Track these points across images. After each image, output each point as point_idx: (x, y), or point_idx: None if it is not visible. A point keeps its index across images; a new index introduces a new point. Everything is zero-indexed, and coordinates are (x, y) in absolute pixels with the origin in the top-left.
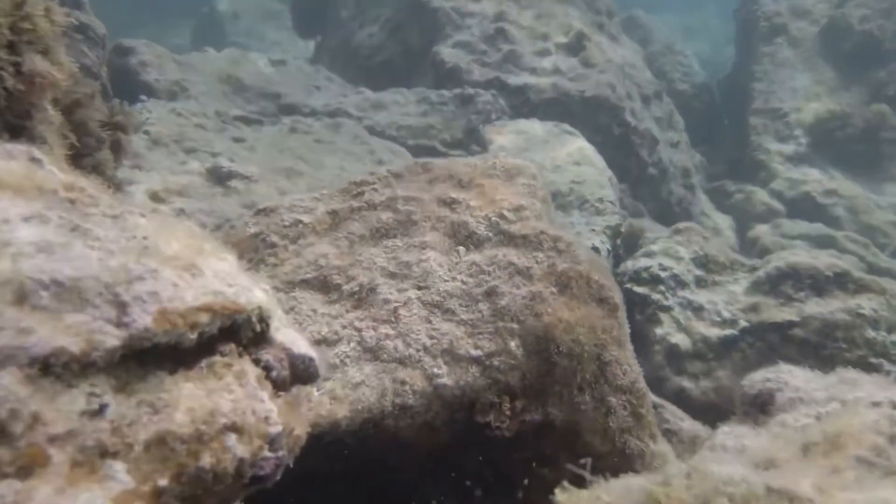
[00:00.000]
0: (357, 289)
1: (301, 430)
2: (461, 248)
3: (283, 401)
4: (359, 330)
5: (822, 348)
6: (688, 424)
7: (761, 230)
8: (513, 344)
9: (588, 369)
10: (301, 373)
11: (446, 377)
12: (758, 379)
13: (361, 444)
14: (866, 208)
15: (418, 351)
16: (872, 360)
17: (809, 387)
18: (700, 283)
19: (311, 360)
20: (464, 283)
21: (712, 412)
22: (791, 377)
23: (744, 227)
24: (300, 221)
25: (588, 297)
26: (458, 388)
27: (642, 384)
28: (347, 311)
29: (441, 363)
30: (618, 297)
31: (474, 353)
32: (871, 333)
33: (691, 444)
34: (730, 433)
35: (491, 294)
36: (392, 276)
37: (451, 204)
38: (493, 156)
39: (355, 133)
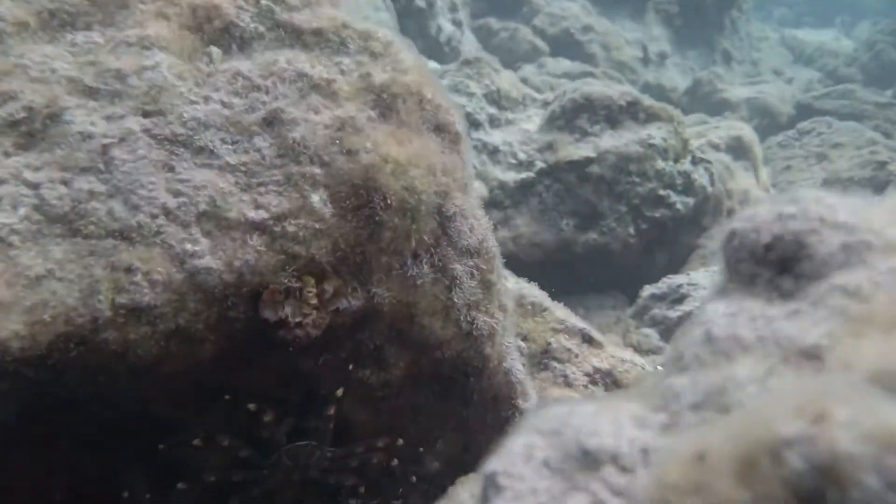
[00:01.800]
0: (23, 115)
1: None
2: (214, 50)
3: None
4: (34, 186)
5: (616, 184)
6: (512, 283)
7: (528, 70)
8: (316, 198)
9: (426, 228)
10: None
11: (209, 256)
12: (765, 218)
13: (58, 377)
14: (617, 45)
15: (154, 217)
16: (661, 192)
17: (865, 222)
18: (493, 122)
19: None
20: (225, 105)
21: (513, 262)
22: (823, 208)
23: (510, 68)
24: None
25: (421, 122)
26: (232, 272)
27: (491, 241)
28: (7, 156)
29: (198, 234)
30: (460, 122)
31: (254, 214)
32: (660, 164)
33: (519, 305)
34: (737, 314)
35: (274, 122)
36: (91, 93)
37: None
38: None
39: None
